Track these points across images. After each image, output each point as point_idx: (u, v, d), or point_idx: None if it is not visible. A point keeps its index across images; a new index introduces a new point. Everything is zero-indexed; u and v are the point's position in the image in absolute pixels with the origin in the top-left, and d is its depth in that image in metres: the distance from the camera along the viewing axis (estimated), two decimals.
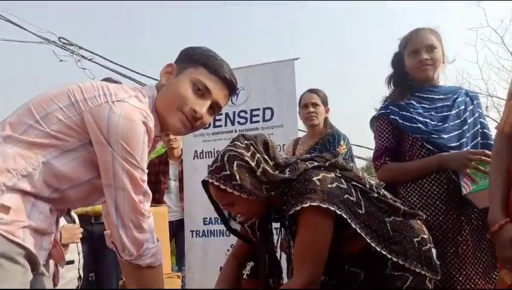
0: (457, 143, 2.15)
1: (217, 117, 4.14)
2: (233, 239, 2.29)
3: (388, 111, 2.30)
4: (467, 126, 2.21)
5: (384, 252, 1.68)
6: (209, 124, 3.80)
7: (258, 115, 4.22)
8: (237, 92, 3.86)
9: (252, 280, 2.01)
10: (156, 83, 1.66)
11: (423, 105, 2.27)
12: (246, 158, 1.73)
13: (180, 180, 4.53)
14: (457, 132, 2.18)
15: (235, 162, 1.72)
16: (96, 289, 3.62)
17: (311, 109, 3.54)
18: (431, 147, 2.16)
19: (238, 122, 4.29)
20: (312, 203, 1.62)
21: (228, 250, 3.76)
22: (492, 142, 2.03)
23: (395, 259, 1.68)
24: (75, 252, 3.03)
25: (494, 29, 12.92)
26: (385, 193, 1.85)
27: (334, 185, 1.69)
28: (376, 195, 1.79)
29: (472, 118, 2.26)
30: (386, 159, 2.27)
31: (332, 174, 1.74)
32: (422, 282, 1.72)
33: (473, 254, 2.06)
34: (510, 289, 1.57)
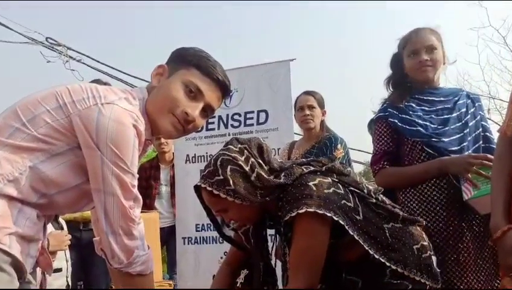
0: (458, 147, 2.13)
1: (210, 120, 4.13)
2: (226, 246, 2.27)
3: (387, 114, 2.27)
4: (468, 129, 2.19)
5: (382, 260, 1.65)
6: (202, 127, 3.80)
7: (252, 118, 4.21)
8: (231, 94, 3.84)
9: (246, 288, 1.98)
10: (147, 84, 1.64)
11: (423, 107, 2.25)
12: (240, 162, 1.71)
13: (172, 185, 4.50)
14: (458, 136, 2.16)
15: (229, 167, 1.69)
16: None
17: (307, 112, 3.52)
18: (431, 151, 2.13)
19: (232, 125, 4.27)
20: (308, 209, 1.59)
21: (221, 257, 3.74)
22: (494, 146, 2.02)
23: (393, 267, 1.66)
24: (63, 260, 3.00)
25: (496, 29, 12.94)
26: (384, 198, 1.82)
27: (330, 190, 1.66)
28: (374, 201, 1.76)
29: (473, 121, 2.24)
30: (385, 163, 2.24)
31: (329, 179, 1.71)
32: None
33: (474, 261, 2.04)
34: None
